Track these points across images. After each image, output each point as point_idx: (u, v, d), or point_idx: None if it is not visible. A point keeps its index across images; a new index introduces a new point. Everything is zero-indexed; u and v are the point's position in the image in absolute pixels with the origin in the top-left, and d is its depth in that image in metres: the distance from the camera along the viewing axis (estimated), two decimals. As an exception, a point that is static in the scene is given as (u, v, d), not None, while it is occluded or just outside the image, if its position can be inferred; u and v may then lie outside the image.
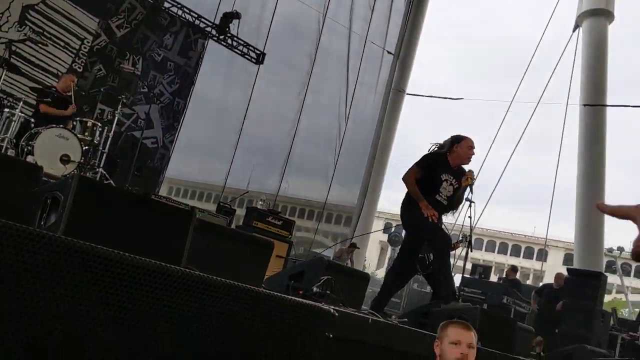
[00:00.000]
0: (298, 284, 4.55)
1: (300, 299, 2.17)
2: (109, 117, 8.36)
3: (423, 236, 5.37)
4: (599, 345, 7.81)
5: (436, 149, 5.49)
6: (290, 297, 2.08)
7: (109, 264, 1.61)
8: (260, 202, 9.86)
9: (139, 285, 1.68)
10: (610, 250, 23.68)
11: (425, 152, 5.52)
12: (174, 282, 1.79)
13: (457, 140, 5.41)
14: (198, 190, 17.81)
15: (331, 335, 2.25)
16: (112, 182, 7.06)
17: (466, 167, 5.50)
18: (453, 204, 5.45)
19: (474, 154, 5.41)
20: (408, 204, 5.34)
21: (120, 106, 7.62)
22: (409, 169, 5.32)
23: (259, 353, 2.06)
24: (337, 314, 2.17)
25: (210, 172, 13.84)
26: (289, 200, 16.85)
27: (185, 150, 12.23)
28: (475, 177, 5.45)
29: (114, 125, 7.56)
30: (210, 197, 15.58)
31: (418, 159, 5.39)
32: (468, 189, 5.42)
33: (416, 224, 5.30)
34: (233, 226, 8.97)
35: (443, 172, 5.32)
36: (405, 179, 5.27)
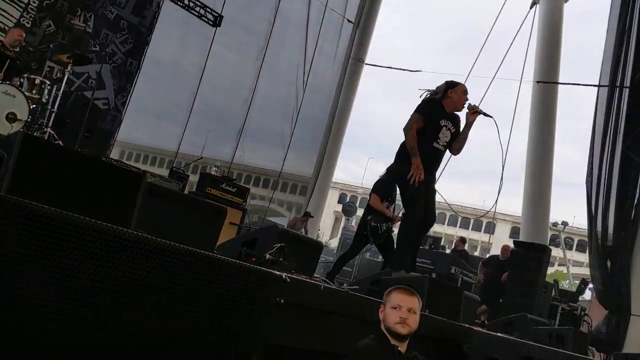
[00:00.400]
0: (250, 250, 4.54)
1: (251, 265, 2.16)
2: (58, 75, 8.03)
3: (403, 200, 5.34)
4: (540, 315, 8.11)
5: (429, 95, 5.35)
6: (241, 262, 2.07)
7: (52, 224, 1.56)
8: (214, 169, 9.75)
9: (83, 246, 1.63)
10: (555, 224, 24.54)
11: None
12: (120, 244, 1.74)
13: (451, 85, 5.32)
14: (151, 155, 17.48)
15: (282, 301, 2.25)
16: (60, 142, 6.83)
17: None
18: (452, 149, 5.39)
19: (468, 99, 5.30)
20: (401, 156, 5.25)
21: (71, 64, 7.31)
22: (410, 117, 5.16)
23: (210, 317, 2.04)
24: (288, 280, 2.17)
25: (164, 136, 13.57)
26: (244, 167, 16.75)
27: (138, 114, 11.92)
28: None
29: (63, 84, 7.26)
30: (164, 162, 15.33)
31: (417, 105, 5.24)
32: (481, 117, 5.30)
33: (403, 184, 5.19)
34: (186, 192, 8.86)
35: (442, 118, 5.22)
36: (406, 129, 5.10)
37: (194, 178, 10.93)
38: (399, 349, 2.85)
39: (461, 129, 5.40)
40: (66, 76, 7.31)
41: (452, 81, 5.42)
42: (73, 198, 2.87)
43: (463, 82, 5.48)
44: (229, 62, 14.10)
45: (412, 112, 5.25)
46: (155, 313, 1.90)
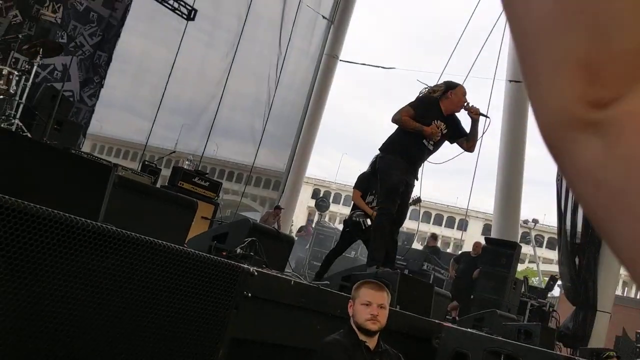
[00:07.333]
0: (221, 244, 4.51)
1: (219, 258, 2.14)
2: (24, 66, 7.86)
3: (381, 191, 5.35)
4: (509, 311, 8.22)
5: (427, 92, 5.30)
6: (209, 255, 2.05)
7: (15, 214, 1.52)
8: (187, 163, 9.68)
9: (44, 237, 1.60)
10: (526, 222, 24.90)
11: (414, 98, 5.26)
12: (85, 236, 1.71)
13: (452, 86, 5.26)
14: (123, 148, 17.29)
15: (250, 295, 2.23)
16: (29, 134, 6.69)
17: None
18: (466, 148, 5.34)
19: (467, 101, 5.22)
20: (386, 149, 5.26)
21: (41, 55, 7.14)
22: (401, 109, 5.12)
23: (177, 309, 2.02)
24: (255, 274, 2.16)
25: (136, 130, 13.41)
26: (217, 162, 16.64)
27: (109, 107, 11.75)
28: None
29: (32, 75, 7.13)
30: (136, 156, 15.16)
31: (412, 100, 5.22)
32: (482, 119, 5.29)
33: (384, 176, 5.23)
34: (158, 186, 8.76)
35: (435, 118, 5.13)
36: (395, 119, 5.08)
37: (166, 172, 10.81)
38: (367, 344, 2.84)
39: (457, 129, 5.35)
40: (35, 67, 7.17)
41: (451, 82, 5.37)
42: (41, 190, 2.81)
43: (461, 84, 5.41)
44: (199, 57, 13.98)
45: (403, 105, 5.21)
46: (120, 306, 1.87)
